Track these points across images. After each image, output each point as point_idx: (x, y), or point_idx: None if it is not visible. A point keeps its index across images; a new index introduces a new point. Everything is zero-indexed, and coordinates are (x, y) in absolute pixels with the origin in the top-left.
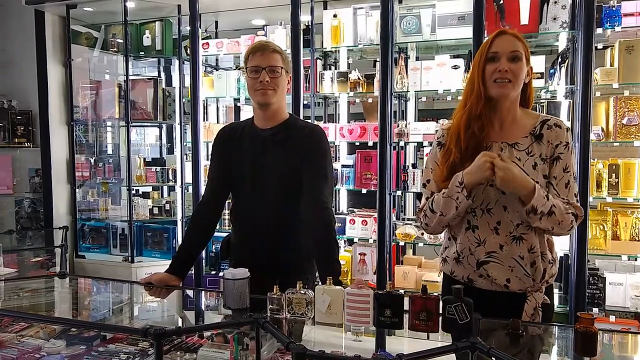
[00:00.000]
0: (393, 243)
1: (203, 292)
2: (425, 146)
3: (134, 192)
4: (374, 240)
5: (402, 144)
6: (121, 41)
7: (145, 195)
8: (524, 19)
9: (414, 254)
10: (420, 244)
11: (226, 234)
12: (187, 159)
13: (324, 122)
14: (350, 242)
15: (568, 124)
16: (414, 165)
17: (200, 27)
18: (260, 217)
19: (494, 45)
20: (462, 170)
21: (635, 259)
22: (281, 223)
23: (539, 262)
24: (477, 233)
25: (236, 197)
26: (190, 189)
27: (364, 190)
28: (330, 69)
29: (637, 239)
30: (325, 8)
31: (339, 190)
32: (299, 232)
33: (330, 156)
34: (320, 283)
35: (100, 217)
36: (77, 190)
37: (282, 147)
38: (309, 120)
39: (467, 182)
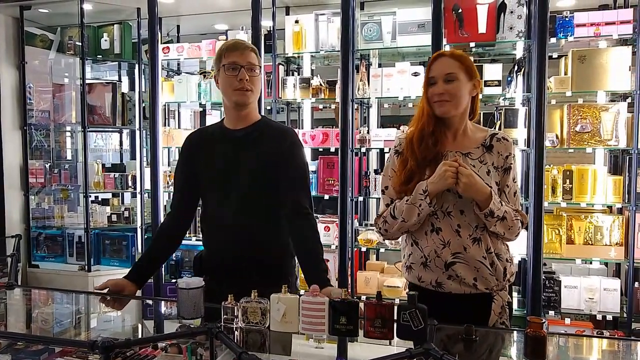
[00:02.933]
0: (355, 249)
1: (162, 301)
2: (387, 152)
3: (92, 198)
4: (337, 246)
5: (364, 150)
6: (79, 44)
7: (105, 202)
8: (482, 27)
9: (377, 259)
10: (383, 250)
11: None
12: (147, 164)
13: None
14: None
15: (524, 133)
16: (377, 171)
17: (160, 31)
18: (229, 222)
19: (432, 70)
20: (419, 176)
21: (590, 262)
22: (256, 226)
23: (497, 262)
24: (441, 235)
25: (205, 201)
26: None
27: (326, 196)
28: (293, 74)
29: (590, 242)
30: (287, 14)
31: None
32: (276, 236)
33: (304, 157)
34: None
35: (55, 225)
36: (32, 197)
37: (256, 148)
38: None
39: (431, 190)
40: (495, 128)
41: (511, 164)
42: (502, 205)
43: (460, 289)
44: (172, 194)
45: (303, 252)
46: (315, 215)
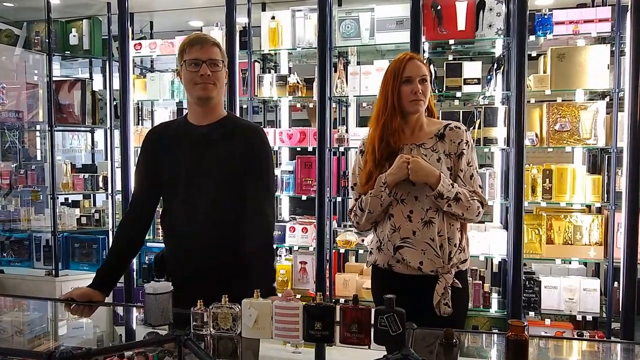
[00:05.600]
0: (334, 250)
1: (134, 307)
2: None
3: (62, 200)
4: (314, 247)
5: (342, 149)
6: (46, 40)
7: (75, 204)
8: (461, 25)
9: (356, 261)
10: (362, 251)
11: (160, 244)
12: (118, 165)
13: (264, 127)
14: (290, 250)
15: (504, 132)
16: None
17: (132, 26)
18: (196, 222)
19: (407, 70)
20: (377, 174)
21: (569, 262)
22: (219, 229)
23: (445, 245)
24: (392, 220)
25: (168, 201)
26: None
27: (304, 197)
28: (269, 72)
29: (570, 242)
30: (263, 10)
31: (279, 197)
32: (239, 238)
33: (272, 158)
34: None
35: (22, 228)
36: None
37: (222, 145)
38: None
39: (390, 182)
40: (475, 127)
41: (464, 149)
42: (453, 187)
43: (407, 271)
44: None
45: (252, 254)
46: (293, 216)
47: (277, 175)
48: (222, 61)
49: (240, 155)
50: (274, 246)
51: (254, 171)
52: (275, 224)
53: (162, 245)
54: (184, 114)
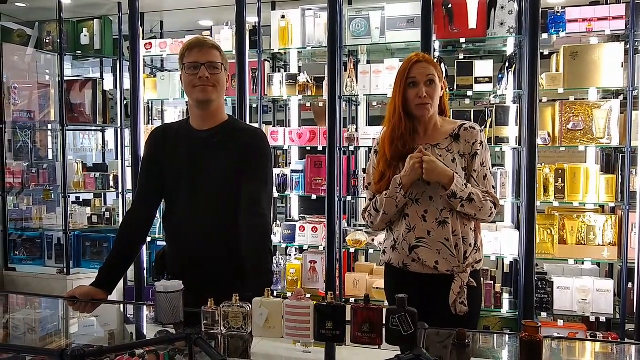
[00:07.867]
0: (344, 250)
1: (145, 306)
2: None
3: (73, 199)
4: (324, 247)
5: (352, 148)
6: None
7: (86, 203)
8: (472, 23)
9: (366, 260)
10: (372, 251)
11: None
12: (128, 164)
13: (273, 126)
14: (300, 249)
15: (516, 131)
16: (365, 171)
17: (143, 26)
18: (198, 226)
19: (412, 72)
20: (389, 173)
21: (582, 263)
22: (221, 231)
23: (460, 244)
24: (407, 220)
25: (170, 203)
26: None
27: (314, 196)
28: (279, 71)
29: (583, 242)
30: (273, 9)
31: (289, 197)
32: (240, 240)
33: (271, 161)
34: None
35: (34, 227)
36: (10, 198)
37: (222, 150)
38: (255, 125)
39: (405, 183)
40: (486, 126)
41: (478, 149)
42: (466, 187)
43: (422, 270)
44: (136, 188)
45: (247, 254)
46: (302, 215)
47: (286, 175)
48: (221, 64)
49: (240, 158)
50: (271, 245)
51: (252, 170)
52: (285, 223)
53: None
54: (187, 116)
